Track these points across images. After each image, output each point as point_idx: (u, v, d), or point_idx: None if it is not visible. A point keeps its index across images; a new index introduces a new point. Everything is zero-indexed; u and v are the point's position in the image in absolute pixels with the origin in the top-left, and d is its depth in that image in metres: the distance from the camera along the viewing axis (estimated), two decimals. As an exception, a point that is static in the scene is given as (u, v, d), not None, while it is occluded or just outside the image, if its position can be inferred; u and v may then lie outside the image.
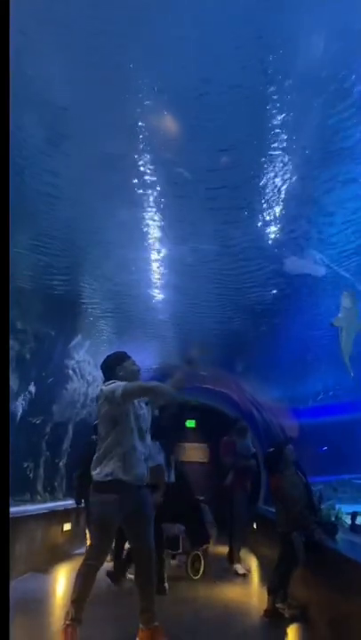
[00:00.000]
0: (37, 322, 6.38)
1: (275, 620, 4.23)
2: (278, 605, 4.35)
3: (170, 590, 5.14)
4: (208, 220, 5.18)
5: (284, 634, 4.02)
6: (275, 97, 3.55)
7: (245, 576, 6.27)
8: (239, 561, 6.60)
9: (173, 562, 6.32)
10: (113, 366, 3.64)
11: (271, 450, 4.93)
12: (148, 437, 3.56)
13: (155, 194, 4.78)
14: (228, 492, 6.88)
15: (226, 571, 6.51)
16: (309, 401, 8.74)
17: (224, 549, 6.96)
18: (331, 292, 5.63)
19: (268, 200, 4.73)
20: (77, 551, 6.52)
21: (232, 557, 6.67)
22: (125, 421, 3.40)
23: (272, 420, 9.98)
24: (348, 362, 5.26)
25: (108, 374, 3.64)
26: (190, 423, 12.04)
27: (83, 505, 6.02)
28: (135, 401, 3.49)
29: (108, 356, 3.75)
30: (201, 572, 6.09)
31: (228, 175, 4.52)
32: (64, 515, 7.45)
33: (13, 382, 6.25)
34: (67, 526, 7.46)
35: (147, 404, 3.62)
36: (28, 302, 5.83)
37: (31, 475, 7.53)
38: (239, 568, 6.43)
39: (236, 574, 6.28)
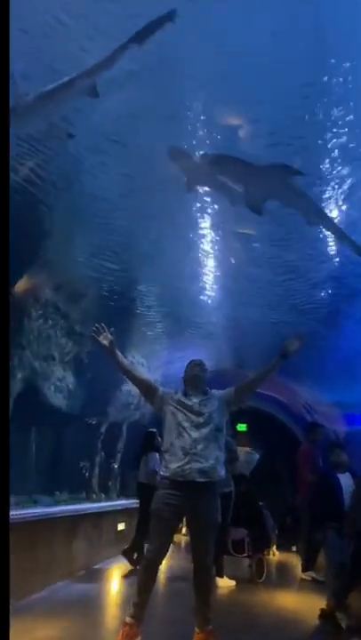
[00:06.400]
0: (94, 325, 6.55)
1: (330, 628, 4.13)
2: (338, 615, 4.24)
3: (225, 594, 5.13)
4: (262, 223, 5.17)
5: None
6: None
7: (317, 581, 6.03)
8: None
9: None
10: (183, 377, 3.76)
11: None
12: (196, 433, 3.38)
13: (208, 198, 4.83)
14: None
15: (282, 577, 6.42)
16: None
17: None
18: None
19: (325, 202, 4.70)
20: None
21: (308, 565, 6.34)
22: (165, 420, 3.55)
23: (325, 425, 9.78)
24: None
25: None
26: (242, 427, 12.00)
27: None
28: (170, 398, 3.55)
29: None
30: (264, 575, 6.04)
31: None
32: (118, 515, 7.58)
33: (71, 384, 6.45)
34: (120, 526, 7.57)
35: (204, 397, 3.56)
36: (86, 306, 6.00)
37: (87, 474, 7.73)
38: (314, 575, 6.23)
39: (315, 581, 6.02)
